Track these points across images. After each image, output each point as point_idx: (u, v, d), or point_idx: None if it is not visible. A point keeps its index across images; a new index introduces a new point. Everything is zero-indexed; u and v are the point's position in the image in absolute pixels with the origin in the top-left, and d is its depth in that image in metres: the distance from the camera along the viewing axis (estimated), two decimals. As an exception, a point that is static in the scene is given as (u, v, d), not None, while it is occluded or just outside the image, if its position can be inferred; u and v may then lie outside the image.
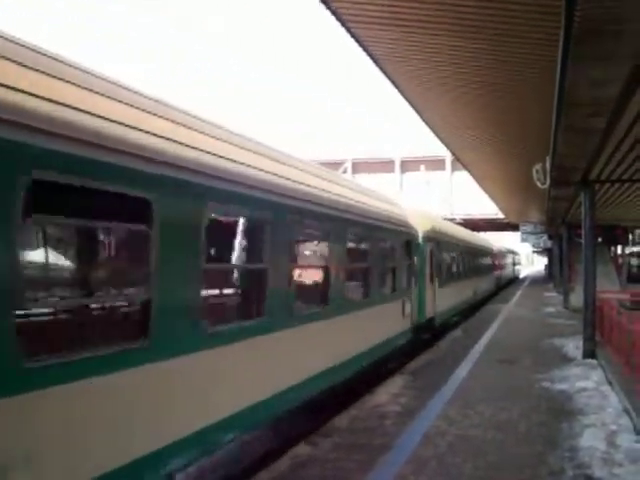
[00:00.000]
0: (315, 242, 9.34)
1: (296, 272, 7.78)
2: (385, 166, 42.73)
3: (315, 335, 7.95)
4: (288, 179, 7.27)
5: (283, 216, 7.00)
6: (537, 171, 13.81)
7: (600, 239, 28.25)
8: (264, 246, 6.70)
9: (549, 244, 42.87)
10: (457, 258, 22.24)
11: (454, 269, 21.45)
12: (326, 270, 8.59)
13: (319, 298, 8.55)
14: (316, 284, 8.94)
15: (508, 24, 7.30)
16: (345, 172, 40.55)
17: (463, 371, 12.22)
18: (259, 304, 6.63)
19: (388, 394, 10.12)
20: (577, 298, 21.77)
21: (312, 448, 7.30)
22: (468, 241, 26.08)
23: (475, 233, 33.71)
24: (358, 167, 42.90)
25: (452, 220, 32.57)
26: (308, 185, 7.89)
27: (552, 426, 8.26)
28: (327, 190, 8.62)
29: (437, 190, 40.73)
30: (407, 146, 42.45)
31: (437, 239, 17.34)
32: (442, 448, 7.27)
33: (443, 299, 17.64)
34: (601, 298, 15.80)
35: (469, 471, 6.53)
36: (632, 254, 34.12)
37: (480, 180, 22.79)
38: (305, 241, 9.16)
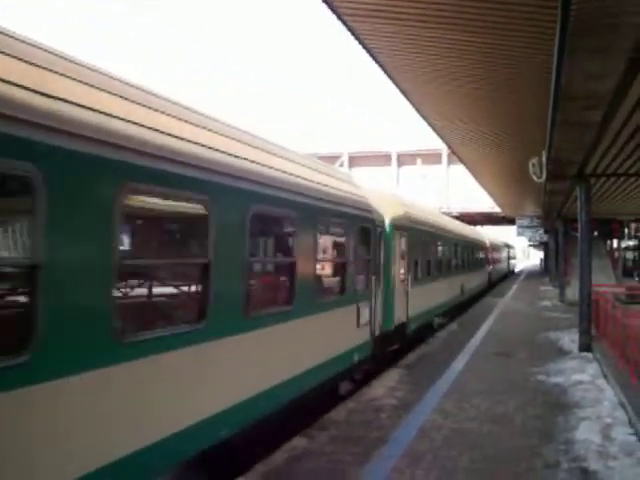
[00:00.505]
0: (189, 222, 6.17)
1: (149, 269, 5.30)
2: (382, 160, 42.77)
3: (191, 367, 5.35)
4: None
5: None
6: (533, 165, 13.81)
7: (596, 233, 28.37)
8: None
9: (545, 238, 42.98)
10: (440, 251, 19.52)
11: (435, 264, 18.34)
12: (204, 268, 5.58)
13: (194, 310, 5.71)
14: (185, 289, 6.22)
15: (504, 17, 7.27)
16: (342, 165, 40.52)
17: (459, 364, 12.24)
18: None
19: (384, 387, 10.13)
20: (573, 292, 21.90)
21: (308, 441, 7.30)
22: (455, 232, 23.30)
23: (466, 225, 31.77)
24: (355, 161, 42.90)
25: (449, 214, 32.55)
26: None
27: (548, 419, 8.29)
28: (215, 147, 5.84)
29: (434, 184, 40.80)
30: (404, 140, 42.49)
31: (412, 228, 14.67)
32: (438, 441, 7.28)
33: (419, 300, 14.97)
34: (597, 292, 15.86)
35: (465, 464, 6.55)
36: (628, 248, 34.32)
37: (476, 174, 22.78)
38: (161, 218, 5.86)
